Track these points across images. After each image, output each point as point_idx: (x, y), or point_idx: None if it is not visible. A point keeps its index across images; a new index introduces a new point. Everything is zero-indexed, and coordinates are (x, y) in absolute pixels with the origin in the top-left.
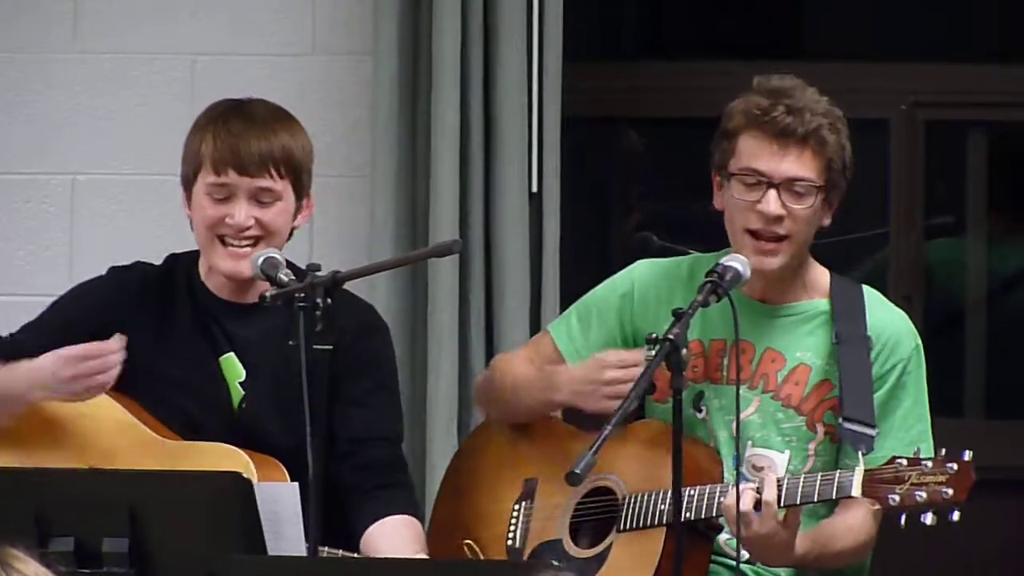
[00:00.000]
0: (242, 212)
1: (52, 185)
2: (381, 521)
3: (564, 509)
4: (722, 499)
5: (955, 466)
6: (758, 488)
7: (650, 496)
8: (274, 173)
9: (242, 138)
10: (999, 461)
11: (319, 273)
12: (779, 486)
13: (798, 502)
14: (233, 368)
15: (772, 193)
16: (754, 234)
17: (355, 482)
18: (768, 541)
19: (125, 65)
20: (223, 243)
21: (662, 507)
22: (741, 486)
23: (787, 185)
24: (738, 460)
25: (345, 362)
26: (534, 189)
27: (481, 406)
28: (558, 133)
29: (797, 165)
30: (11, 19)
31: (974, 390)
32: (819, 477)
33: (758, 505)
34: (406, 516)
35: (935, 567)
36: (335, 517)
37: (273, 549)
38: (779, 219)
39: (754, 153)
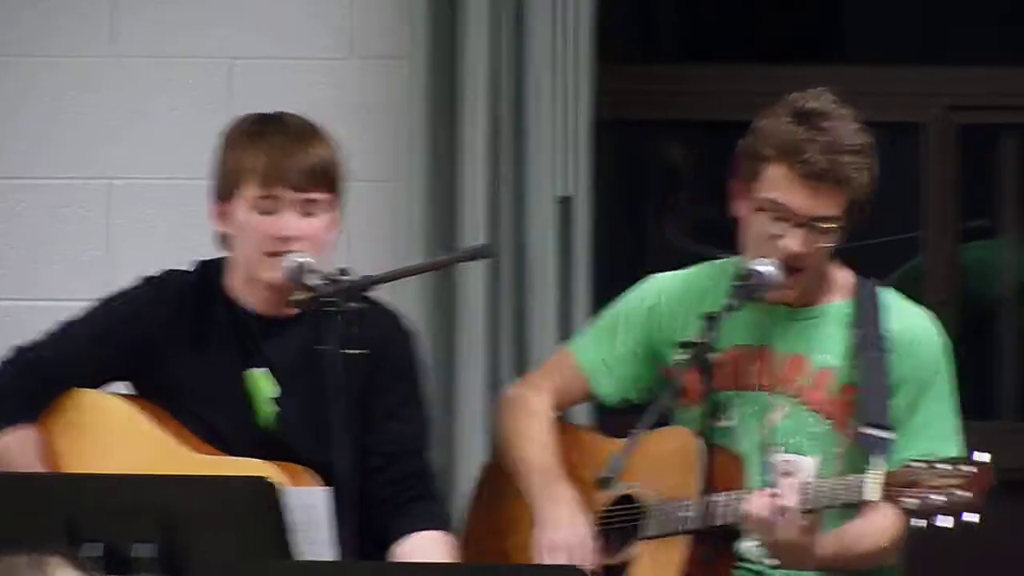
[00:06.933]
0: (291, 223)
1: (88, 190)
2: (412, 536)
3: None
4: (744, 506)
5: (972, 469)
6: (778, 494)
7: (673, 504)
8: (321, 186)
9: (287, 152)
10: None
11: (350, 277)
12: (801, 491)
13: (816, 508)
14: (264, 383)
15: (798, 232)
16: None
17: (387, 495)
18: (790, 546)
19: (162, 69)
20: (270, 257)
21: (684, 514)
22: (762, 492)
23: (812, 223)
24: (766, 466)
25: (374, 374)
26: (565, 193)
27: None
28: (589, 136)
29: (826, 206)
30: (48, 23)
31: (1008, 392)
32: (837, 482)
33: (781, 511)
34: (438, 532)
35: (968, 570)
36: (367, 528)
37: (304, 555)
38: (801, 256)
39: (783, 188)
